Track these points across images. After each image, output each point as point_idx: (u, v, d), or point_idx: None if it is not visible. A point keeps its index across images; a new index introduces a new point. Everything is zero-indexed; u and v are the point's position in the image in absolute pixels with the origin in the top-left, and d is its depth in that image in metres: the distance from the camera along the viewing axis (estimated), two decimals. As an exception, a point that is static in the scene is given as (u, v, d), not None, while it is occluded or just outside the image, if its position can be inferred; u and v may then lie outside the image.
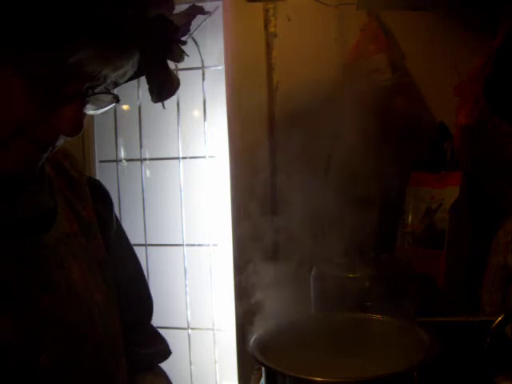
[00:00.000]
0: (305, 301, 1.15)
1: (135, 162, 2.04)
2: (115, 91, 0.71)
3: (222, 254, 1.94)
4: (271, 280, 1.04)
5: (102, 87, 0.67)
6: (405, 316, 1.00)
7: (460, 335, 1.20)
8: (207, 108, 1.95)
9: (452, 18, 1.42)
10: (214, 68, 1.90)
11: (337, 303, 1.09)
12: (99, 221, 0.84)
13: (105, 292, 0.79)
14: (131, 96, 1.95)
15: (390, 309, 0.99)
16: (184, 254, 2.02)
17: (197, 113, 1.98)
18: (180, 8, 0.69)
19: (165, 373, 0.97)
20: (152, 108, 1.95)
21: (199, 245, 2.01)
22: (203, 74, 1.93)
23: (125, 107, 2.03)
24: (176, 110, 1.96)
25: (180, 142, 1.98)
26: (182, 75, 1.78)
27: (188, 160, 1.99)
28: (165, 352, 0.97)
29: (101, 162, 2.01)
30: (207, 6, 1.78)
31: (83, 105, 0.66)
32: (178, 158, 1.99)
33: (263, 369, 0.83)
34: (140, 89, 1.92)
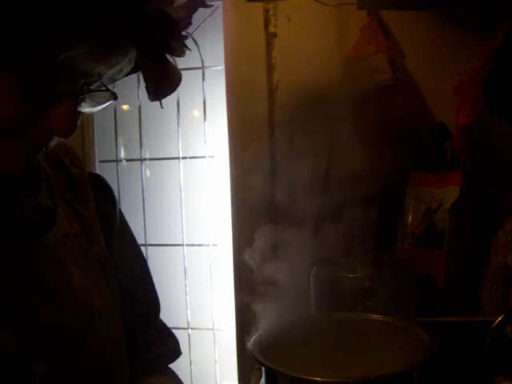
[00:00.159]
0: (305, 301, 1.15)
1: (135, 162, 2.04)
2: (115, 90, 0.68)
3: (222, 253, 1.94)
4: (271, 280, 1.04)
5: (98, 83, 0.64)
6: (405, 316, 1.00)
7: (460, 335, 1.20)
8: (207, 108, 1.95)
9: (452, 18, 1.42)
10: (214, 68, 1.90)
11: (337, 303, 1.09)
12: (102, 218, 0.81)
13: (107, 295, 0.77)
14: (131, 96, 1.95)
15: (390, 309, 0.99)
16: (184, 254, 2.02)
17: (197, 113, 1.98)
18: (180, 0, 0.65)
19: (174, 373, 0.94)
20: (152, 108, 1.95)
21: (199, 245, 2.01)
22: (203, 74, 1.93)
23: (125, 107, 2.03)
24: (176, 110, 1.96)
25: (180, 142, 1.98)
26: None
27: (188, 160, 1.99)
28: (174, 353, 0.95)
29: (101, 162, 2.01)
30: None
31: (77, 104, 0.64)
32: (178, 158, 1.99)
33: (263, 369, 0.83)
34: (140, 89, 1.92)
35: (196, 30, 1.76)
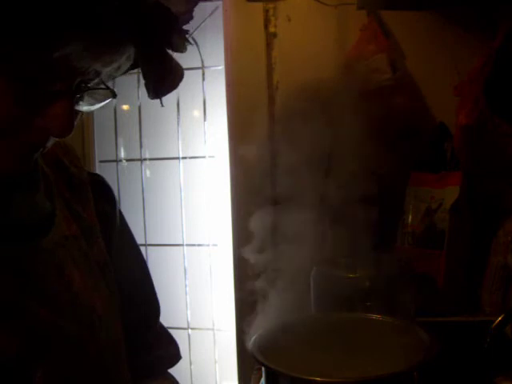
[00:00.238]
0: (305, 301, 1.15)
1: (135, 162, 2.04)
2: (114, 89, 0.66)
3: (222, 253, 1.94)
4: (271, 280, 1.04)
5: (96, 81, 0.62)
6: (405, 316, 1.00)
7: (460, 335, 1.20)
8: (207, 108, 1.95)
9: (452, 18, 1.42)
10: (214, 68, 1.90)
11: (337, 303, 1.09)
12: (102, 219, 0.80)
13: (107, 297, 0.76)
14: (131, 96, 1.95)
15: (390, 309, 0.99)
16: (184, 254, 2.02)
17: (197, 113, 1.98)
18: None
19: (174, 378, 0.93)
20: (152, 108, 1.95)
21: (199, 245, 2.01)
22: (203, 74, 1.93)
23: (125, 107, 2.03)
24: (176, 110, 1.96)
25: (180, 142, 1.98)
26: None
27: (188, 160, 1.99)
28: (174, 357, 0.94)
29: (101, 162, 2.02)
30: (207, 6, 1.78)
31: (74, 103, 0.61)
32: (178, 158, 1.99)
33: (263, 369, 0.83)
34: (140, 89, 1.92)
35: (196, 29, 1.76)
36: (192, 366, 2.03)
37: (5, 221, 0.65)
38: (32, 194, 0.69)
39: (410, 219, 1.39)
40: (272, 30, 1.54)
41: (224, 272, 1.89)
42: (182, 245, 2.01)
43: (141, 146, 2.01)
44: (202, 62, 1.91)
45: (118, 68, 0.62)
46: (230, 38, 1.55)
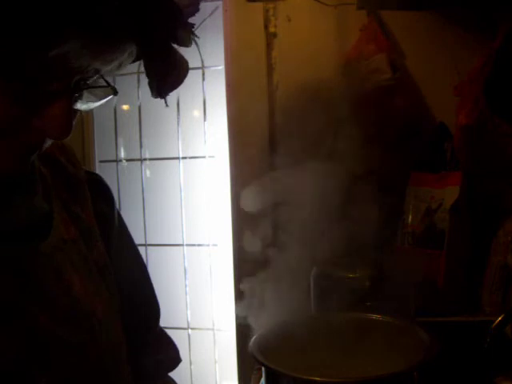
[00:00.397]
0: (305, 301, 1.15)
1: (135, 162, 2.04)
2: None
3: (222, 253, 1.94)
4: (271, 280, 1.04)
5: (95, 77, 0.59)
6: (405, 316, 1.00)
7: (460, 335, 1.20)
8: (207, 108, 1.95)
9: (452, 18, 1.42)
10: (214, 68, 1.90)
11: (337, 303, 1.09)
12: (100, 220, 0.79)
13: (106, 300, 0.75)
14: (131, 96, 1.95)
15: (390, 309, 0.99)
16: (184, 254, 2.02)
17: (197, 113, 1.98)
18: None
19: (174, 381, 0.93)
20: (152, 108, 1.95)
21: (199, 245, 2.01)
22: (203, 74, 1.93)
23: (125, 107, 2.03)
24: (176, 110, 1.96)
25: (180, 142, 1.98)
26: (182, 75, 1.78)
27: (188, 160, 1.99)
28: (174, 360, 0.93)
29: (101, 162, 2.02)
30: (207, 6, 1.78)
31: (72, 103, 0.59)
32: (178, 158, 1.99)
33: (263, 369, 0.83)
34: (140, 89, 1.92)
35: (196, 29, 1.76)
36: (192, 366, 2.03)
37: (3, 223, 0.64)
38: (30, 197, 0.68)
39: (410, 219, 1.39)
40: (272, 30, 1.54)
41: (224, 272, 1.89)
42: (182, 245, 2.01)
43: (141, 146, 2.01)
44: (202, 62, 1.91)
45: (120, 65, 0.61)
46: (230, 38, 1.54)
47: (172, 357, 0.93)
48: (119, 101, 1.99)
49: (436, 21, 1.43)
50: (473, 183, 1.35)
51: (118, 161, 2.05)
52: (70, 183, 0.76)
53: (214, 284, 2.00)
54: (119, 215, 0.86)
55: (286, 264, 1.06)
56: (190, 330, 2.04)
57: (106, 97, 0.63)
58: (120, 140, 2.04)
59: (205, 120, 1.95)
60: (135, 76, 1.86)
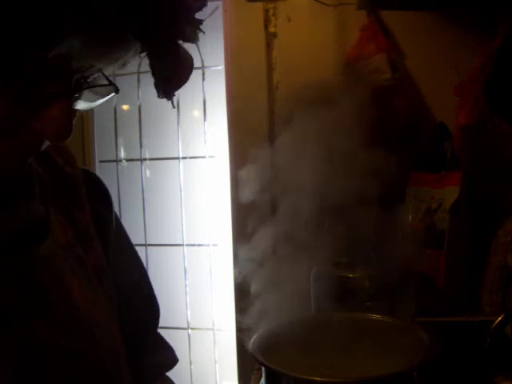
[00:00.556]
0: (305, 301, 1.15)
1: (135, 162, 2.04)
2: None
3: (222, 253, 1.94)
4: (271, 280, 1.04)
5: (96, 76, 0.58)
6: (405, 316, 1.00)
7: (460, 335, 1.20)
8: (207, 108, 1.95)
9: (452, 18, 1.42)
10: (214, 68, 1.90)
11: (337, 303, 1.09)
12: (97, 221, 0.77)
13: (105, 304, 0.74)
14: (131, 96, 1.95)
15: (390, 309, 0.99)
16: (184, 254, 2.02)
17: (197, 113, 1.98)
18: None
19: (172, 382, 0.92)
20: (152, 108, 1.95)
21: (199, 245, 2.01)
22: (203, 74, 1.93)
23: (125, 107, 2.03)
24: (176, 110, 1.96)
25: (180, 142, 1.98)
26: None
27: (188, 160, 1.99)
28: (172, 360, 0.93)
29: (101, 162, 2.02)
30: (207, 6, 1.78)
31: (71, 103, 0.58)
32: (178, 158, 1.99)
33: (263, 369, 0.83)
34: (140, 89, 1.92)
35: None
36: (192, 366, 2.03)
37: (3, 226, 0.63)
38: (29, 199, 0.67)
39: (410, 219, 1.39)
40: (272, 30, 1.54)
41: (224, 272, 1.89)
42: (182, 245, 2.01)
43: (141, 146, 2.02)
44: (202, 62, 1.91)
45: (124, 64, 0.59)
46: (230, 38, 1.55)
47: (169, 357, 0.93)
48: (119, 101, 1.99)
49: (436, 21, 1.43)
50: (473, 183, 1.35)
51: (118, 161, 2.05)
52: (67, 184, 0.75)
53: (213, 284, 2.00)
54: (117, 217, 0.85)
55: (286, 264, 1.06)
56: (189, 330, 2.04)
57: (107, 95, 0.62)
58: (120, 140, 2.04)
59: (205, 120, 1.95)
60: (135, 76, 1.86)
